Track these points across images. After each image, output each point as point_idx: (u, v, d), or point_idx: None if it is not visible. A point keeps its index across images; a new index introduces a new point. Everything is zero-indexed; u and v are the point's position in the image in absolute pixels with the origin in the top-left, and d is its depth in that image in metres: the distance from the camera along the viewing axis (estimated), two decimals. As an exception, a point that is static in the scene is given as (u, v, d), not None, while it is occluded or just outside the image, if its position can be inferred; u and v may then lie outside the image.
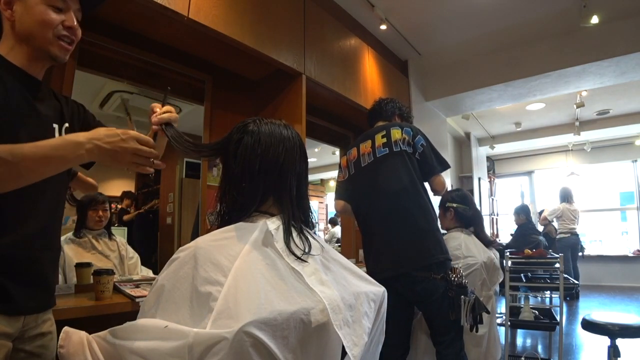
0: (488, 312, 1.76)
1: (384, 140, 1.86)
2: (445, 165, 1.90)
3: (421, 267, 1.68)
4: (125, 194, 2.16)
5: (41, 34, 0.85)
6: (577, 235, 5.47)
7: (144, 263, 1.91)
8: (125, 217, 2.09)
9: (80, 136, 0.78)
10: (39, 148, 0.74)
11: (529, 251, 3.07)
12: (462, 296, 1.62)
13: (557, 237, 5.45)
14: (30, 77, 0.88)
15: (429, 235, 1.74)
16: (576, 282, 3.58)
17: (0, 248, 0.79)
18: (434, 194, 1.95)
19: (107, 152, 0.79)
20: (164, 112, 0.91)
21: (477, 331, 1.67)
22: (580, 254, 5.52)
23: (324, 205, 5.73)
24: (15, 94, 0.83)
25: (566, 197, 5.70)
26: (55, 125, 0.92)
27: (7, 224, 0.81)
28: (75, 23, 0.90)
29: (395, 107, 2.08)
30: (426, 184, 1.89)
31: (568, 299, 5.11)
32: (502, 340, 2.75)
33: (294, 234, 0.76)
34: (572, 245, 5.27)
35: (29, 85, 0.87)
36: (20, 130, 0.82)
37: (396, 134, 1.85)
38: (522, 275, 3.03)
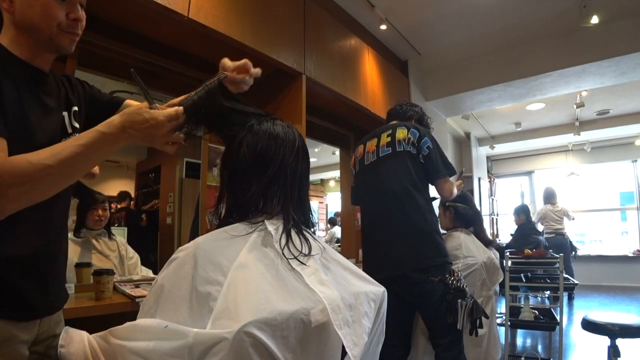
0: (487, 317, 1.75)
1: (389, 139, 1.85)
2: (451, 170, 1.85)
3: (419, 269, 1.68)
4: (122, 194, 2.16)
5: (44, 26, 0.79)
6: (563, 235, 5.43)
7: (144, 263, 1.91)
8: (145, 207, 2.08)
9: (113, 126, 0.74)
10: (78, 147, 0.71)
11: (529, 251, 3.07)
12: (460, 300, 1.61)
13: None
14: (36, 70, 0.83)
15: (428, 237, 1.73)
16: (576, 282, 3.59)
17: (24, 251, 0.77)
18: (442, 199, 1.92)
19: (140, 138, 0.77)
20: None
21: (476, 335, 1.66)
22: (572, 253, 5.48)
23: (324, 205, 5.73)
24: (24, 92, 0.78)
25: (548, 198, 5.71)
26: (65, 113, 0.88)
27: (30, 229, 0.79)
28: (81, 13, 0.83)
29: (415, 112, 2.05)
30: (431, 187, 1.88)
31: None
32: (502, 340, 2.75)
33: (294, 234, 0.76)
34: (556, 245, 5.23)
35: (36, 79, 0.82)
36: (37, 131, 0.79)
37: (401, 133, 1.83)
38: (522, 275, 3.03)
